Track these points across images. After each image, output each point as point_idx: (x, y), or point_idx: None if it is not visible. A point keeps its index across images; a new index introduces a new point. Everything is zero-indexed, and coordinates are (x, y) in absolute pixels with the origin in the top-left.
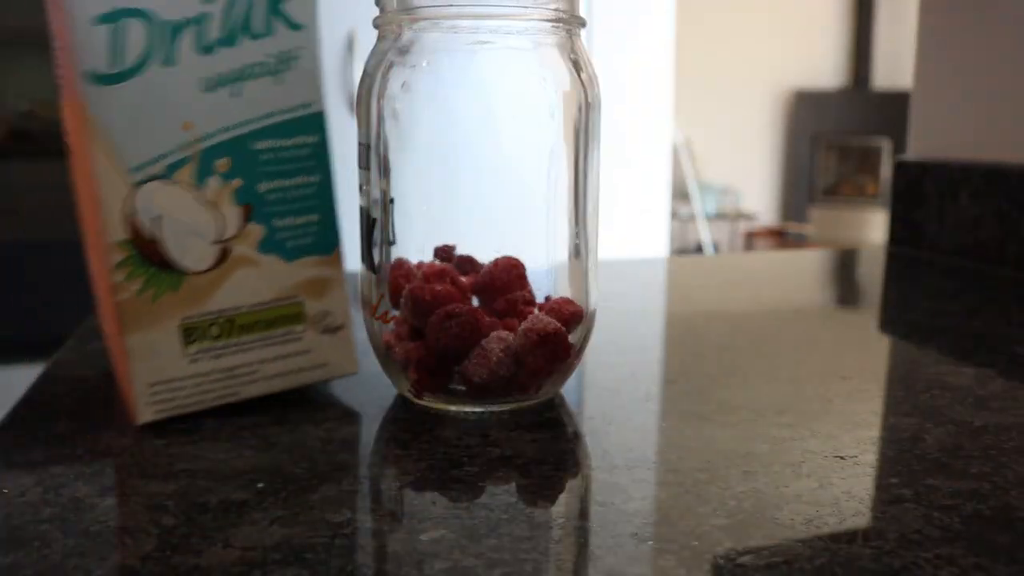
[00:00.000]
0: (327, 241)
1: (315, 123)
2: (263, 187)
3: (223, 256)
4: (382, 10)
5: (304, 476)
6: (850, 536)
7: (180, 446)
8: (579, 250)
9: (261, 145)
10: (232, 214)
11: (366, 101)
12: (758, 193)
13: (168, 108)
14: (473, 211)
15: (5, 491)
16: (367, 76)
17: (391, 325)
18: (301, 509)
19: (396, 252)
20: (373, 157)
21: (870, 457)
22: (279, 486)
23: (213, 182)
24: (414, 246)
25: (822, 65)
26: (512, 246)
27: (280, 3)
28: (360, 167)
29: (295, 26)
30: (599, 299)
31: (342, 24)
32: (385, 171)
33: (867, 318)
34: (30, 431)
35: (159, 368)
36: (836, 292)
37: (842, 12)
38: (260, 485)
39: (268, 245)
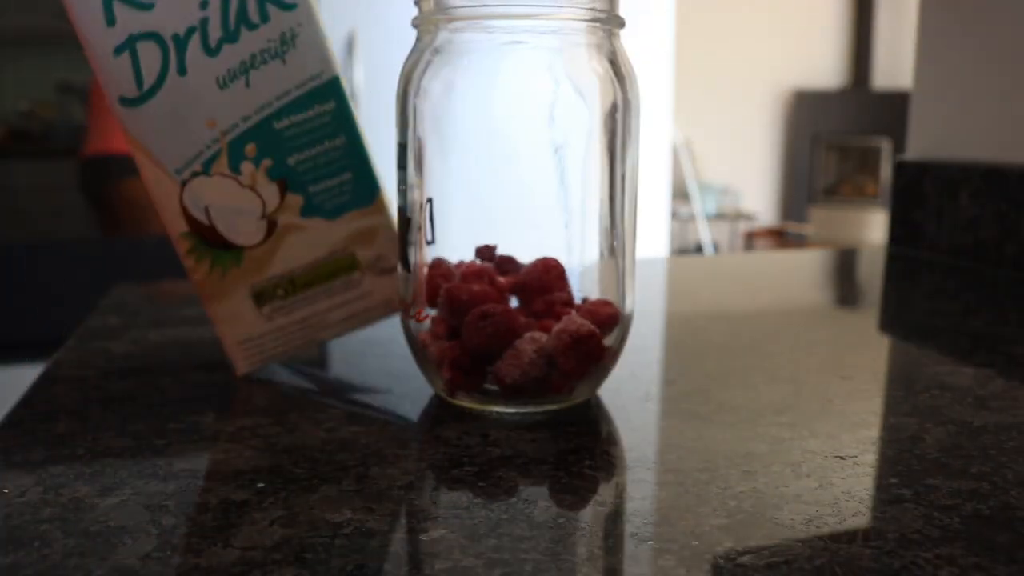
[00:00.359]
0: (365, 194)
1: (329, 91)
2: (292, 160)
3: (271, 228)
4: (420, 11)
5: (304, 476)
6: (850, 536)
7: (180, 446)
8: (615, 251)
9: (282, 124)
10: (269, 191)
11: (403, 101)
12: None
13: (191, 111)
14: (511, 211)
15: (5, 491)
16: (404, 77)
17: (427, 324)
18: (301, 509)
19: (435, 252)
20: (410, 157)
21: (870, 457)
22: (279, 486)
23: (246, 167)
24: (453, 246)
25: (822, 65)
26: (551, 246)
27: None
28: (398, 167)
29: (288, 6)
30: (635, 301)
31: (342, 24)
32: (422, 171)
33: (867, 318)
34: (30, 431)
35: (242, 328)
36: (836, 292)
37: (842, 12)
38: (260, 485)
39: (309, 210)
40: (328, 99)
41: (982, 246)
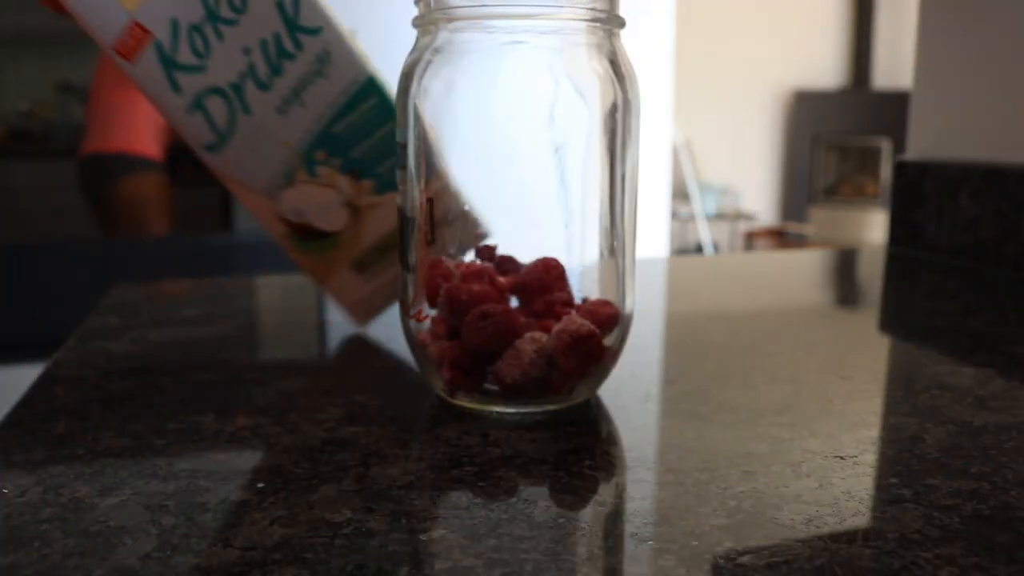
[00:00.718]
0: None
1: (368, 90)
2: (356, 153)
3: (355, 211)
4: (420, 11)
5: (304, 476)
6: (850, 536)
7: (180, 446)
8: (615, 251)
9: (339, 128)
10: (345, 183)
11: (403, 101)
12: (758, 193)
13: (265, 140)
14: (511, 211)
15: (5, 491)
16: (404, 76)
17: (426, 324)
18: (301, 509)
19: (435, 251)
20: (410, 157)
21: (870, 457)
22: (279, 486)
23: (320, 169)
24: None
25: (822, 65)
26: (551, 246)
27: (295, 23)
28: (398, 167)
29: (314, 31)
30: (635, 301)
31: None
32: (422, 171)
33: (867, 318)
34: (30, 431)
35: (351, 294)
36: (836, 292)
37: (842, 12)
38: (260, 485)
39: (381, 188)
40: (369, 97)
41: (982, 246)
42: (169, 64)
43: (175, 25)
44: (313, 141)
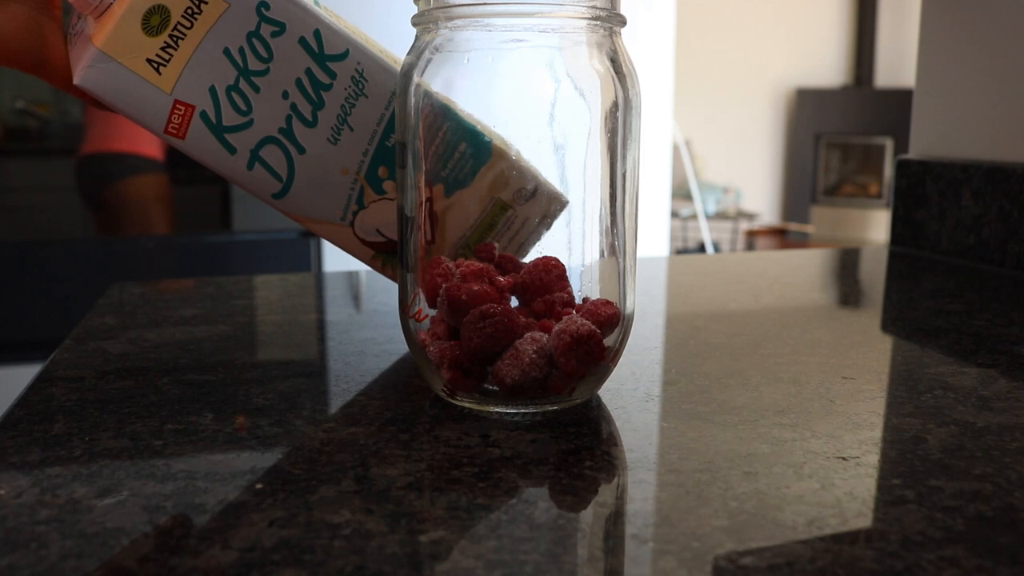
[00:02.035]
0: (481, 154)
1: None
2: None
3: (432, 214)
4: (419, 9)
5: (303, 477)
6: (852, 537)
7: (178, 446)
8: (615, 251)
9: (390, 141)
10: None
11: (403, 99)
12: (760, 192)
13: (325, 172)
14: None
15: (2, 492)
16: (404, 75)
17: (426, 323)
18: (300, 510)
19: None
20: (410, 156)
21: (872, 458)
22: (278, 487)
23: (387, 185)
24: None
25: (824, 63)
26: (551, 246)
27: (321, 53)
28: (398, 166)
29: (342, 56)
30: (635, 301)
31: None
32: (422, 169)
33: (869, 318)
34: (27, 432)
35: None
36: (838, 292)
37: (844, 10)
38: (259, 486)
39: (449, 188)
40: None
41: (985, 245)
42: (218, 129)
43: (213, 92)
44: (371, 160)
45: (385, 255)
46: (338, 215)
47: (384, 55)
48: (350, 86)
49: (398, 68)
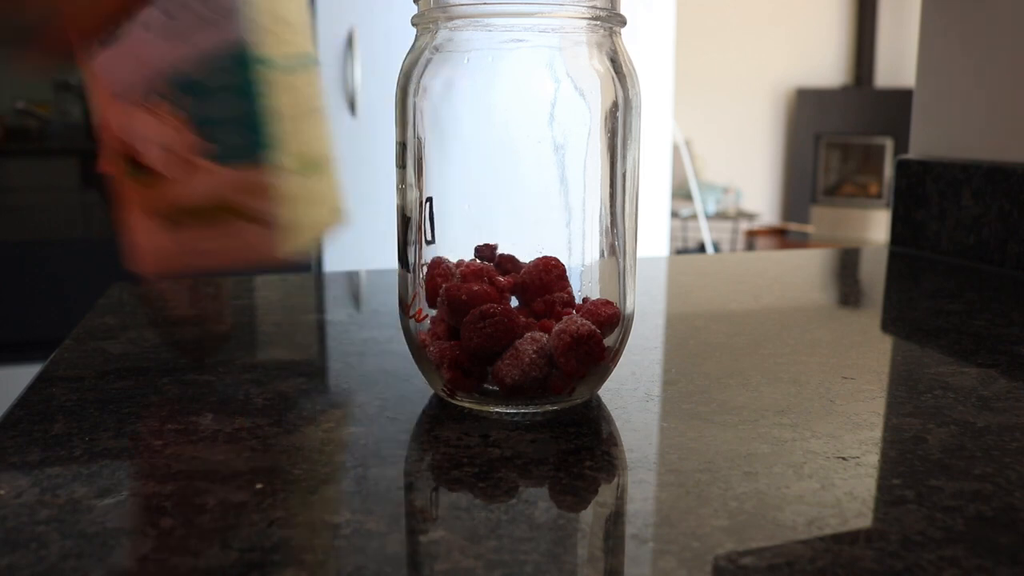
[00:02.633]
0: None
1: (249, 61)
2: (211, 111)
3: (184, 165)
4: (419, 9)
5: (303, 477)
6: (852, 537)
7: (178, 447)
8: (615, 251)
9: (205, 77)
10: (183, 129)
11: (402, 99)
12: (760, 192)
13: (144, 56)
14: (511, 210)
15: (2, 492)
16: (404, 75)
17: (426, 323)
18: (300, 510)
19: (435, 251)
20: (410, 156)
21: (872, 458)
22: (278, 487)
23: (167, 105)
24: (453, 245)
25: (824, 63)
26: (551, 246)
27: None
28: (397, 166)
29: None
30: (635, 301)
31: (341, 23)
32: (422, 170)
33: (869, 318)
34: (27, 432)
35: (149, 239)
36: (838, 292)
37: (844, 10)
38: (259, 486)
39: (220, 159)
40: (248, 68)
41: (985, 245)
42: None
43: None
44: (179, 78)
45: (130, 165)
46: (125, 93)
47: (278, 38)
48: (210, 13)
49: (265, 50)
